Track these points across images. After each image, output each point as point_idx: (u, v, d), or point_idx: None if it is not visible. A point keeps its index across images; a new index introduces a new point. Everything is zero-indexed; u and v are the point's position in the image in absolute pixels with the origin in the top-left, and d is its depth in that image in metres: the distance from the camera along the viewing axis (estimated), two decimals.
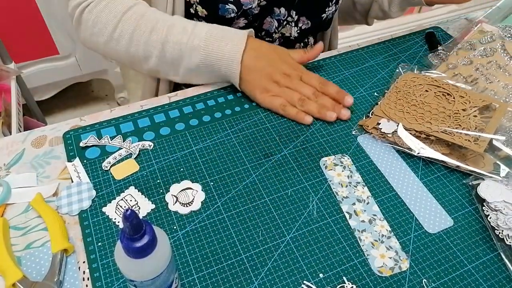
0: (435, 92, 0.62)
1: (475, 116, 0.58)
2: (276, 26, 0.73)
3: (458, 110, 0.59)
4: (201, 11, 0.67)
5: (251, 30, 0.64)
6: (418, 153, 0.56)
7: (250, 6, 0.66)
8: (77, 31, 0.68)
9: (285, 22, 0.74)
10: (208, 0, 0.66)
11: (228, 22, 0.68)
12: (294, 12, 0.73)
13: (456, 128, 0.56)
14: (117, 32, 0.63)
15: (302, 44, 0.82)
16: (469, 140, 0.55)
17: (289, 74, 0.63)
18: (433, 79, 0.64)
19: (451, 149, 0.56)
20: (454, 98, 0.60)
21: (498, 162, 0.55)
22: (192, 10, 0.68)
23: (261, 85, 0.62)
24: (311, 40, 0.84)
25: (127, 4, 0.63)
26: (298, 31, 0.77)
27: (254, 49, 0.62)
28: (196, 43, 0.61)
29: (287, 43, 0.78)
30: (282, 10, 0.72)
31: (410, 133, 0.57)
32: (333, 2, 0.74)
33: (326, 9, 0.75)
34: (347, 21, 0.94)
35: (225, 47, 0.60)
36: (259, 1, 0.67)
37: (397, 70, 0.68)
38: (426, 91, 0.62)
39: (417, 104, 0.60)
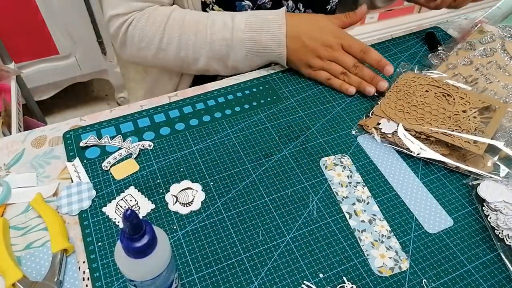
0: (435, 93, 0.62)
1: (475, 117, 0.58)
2: None
3: (458, 111, 0.59)
4: (218, 9, 0.68)
5: (284, 8, 0.66)
6: (418, 154, 0.56)
7: (264, 1, 0.69)
8: (122, 49, 0.70)
9: None
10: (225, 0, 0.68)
11: None
12: (301, 5, 0.75)
13: (456, 129, 0.56)
14: (164, 41, 0.65)
15: None
16: (468, 142, 0.55)
17: (330, 45, 0.65)
18: (433, 79, 0.64)
19: (451, 149, 0.56)
20: (454, 99, 0.60)
21: (498, 162, 0.55)
22: (208, 10, 0.69)
23: (306, 62, 0.66)
24: None
25: (166, 13, 0.66)
26: None
27: (294, 28, 0.65)
28: (240, 35, 0.64)
29: None
30: (290, 3, 0.73)
31: (410, 134, 0.57)
32: None
33: (331, 1, 0.77)
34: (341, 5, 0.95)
35: (267, 34, 0.64)
36: None
37: (398, 70, 0.68)
38: (427, 91, 0.62)
39: (417, 104, 0.60)
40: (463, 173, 0.56)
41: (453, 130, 0.56)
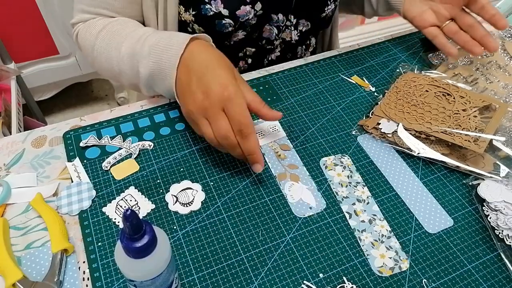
0: (435, 92, 0.62)
1: (475, 116, 0.58)
2: (276, 32, 0.73)
3: (458, 110, 0.59)
4: (198, 29, 0.67)
5: (202, 35, 0.57)
6: (418, 154, 0.56)
7: (246, 18, 0.66)
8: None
9: (284, 27, 0.74)
10: (204, 18, 0.65)
11: (227, 36, 0.68)
12: (292, 16, 0.73)
13: (456, 128, 0.56)
14: (95, 52, 0.64)
15: (304, 47, 0.82)
16: (469, 141, 0.55)
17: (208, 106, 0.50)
18: (433, 79, 0.64)
19: (451, 149, 0.56)
20: (454, 98, 0.60)
21: (498, 162, 0.55)
22: (189, 29, 0.68)
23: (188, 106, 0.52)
24: (313, 40, 0.84)
25: (103, 23, 0.64)
26: (298, 34, 0.77)
27: (186, 64, 0.53)
28: (146, 50, 0.56)
29: (289, 47, 0.78)
30: (280, 16, 0.71)
31: (410, 133, 0.57)
32: (332, 1, 0.74)
33: (326, 8, 0.74)
34: (346, 11, 0.94)
35: (168, 53, 0.55)
36: (255, 11, 0.66)
37: (398, 70, 0.68)
38: (426, 91, 0.62)
39: (417, 104, 0.60)
40: (464, 172, 0.56)
41: (453, 129, 0.56)
